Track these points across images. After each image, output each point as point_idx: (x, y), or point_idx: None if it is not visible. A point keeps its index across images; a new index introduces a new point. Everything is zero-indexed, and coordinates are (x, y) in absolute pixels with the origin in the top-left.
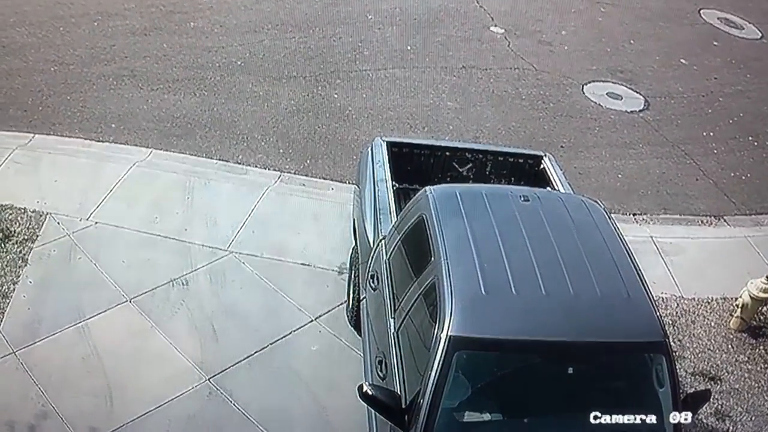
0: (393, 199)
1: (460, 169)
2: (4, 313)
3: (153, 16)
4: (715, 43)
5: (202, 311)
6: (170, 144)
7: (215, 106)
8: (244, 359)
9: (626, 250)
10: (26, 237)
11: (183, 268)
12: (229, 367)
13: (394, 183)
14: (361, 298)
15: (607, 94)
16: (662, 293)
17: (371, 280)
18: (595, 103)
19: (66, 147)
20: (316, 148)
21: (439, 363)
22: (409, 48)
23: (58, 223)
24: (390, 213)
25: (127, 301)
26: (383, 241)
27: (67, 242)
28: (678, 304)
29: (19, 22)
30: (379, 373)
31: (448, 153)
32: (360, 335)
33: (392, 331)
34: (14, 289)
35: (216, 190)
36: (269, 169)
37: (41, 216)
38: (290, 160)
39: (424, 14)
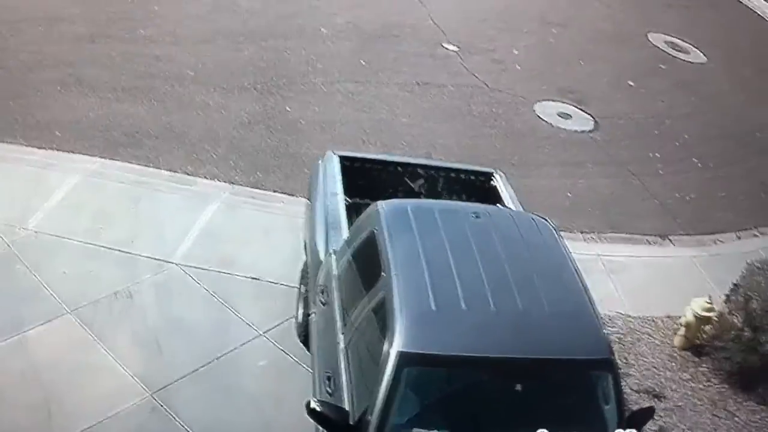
0: (344, 213)
1: (412, 185)
2: None
3: (101, 23)
4: (662, 66)
5: (146, 324)
6: (117, 153)
7: (164, 115)
8: (190, 374)
9: (574, 268)
10: None
11: (127, 280)
12: (174, 382)
13: (345, 197)
14: (311, 312)
15: (557, 113)
16: (609, 311)
17: (321, 295)
18: (546, 122)
19: (7, 154)
20: (267, 161)
21: (388, 379)
22: (362, 62)
23: None
24: (341, 227)
25: (68, 312)
26: (334, 256)
27: (6, 251)
28: (624, 322)
29: None
30: (328, 389)
31: (400, 168)
32: (309, 351)
33: (341, 346)
34: None
35: (164, 201)
36: (219, 181)
37: None
38: (241, 172)
39: (377, 29)
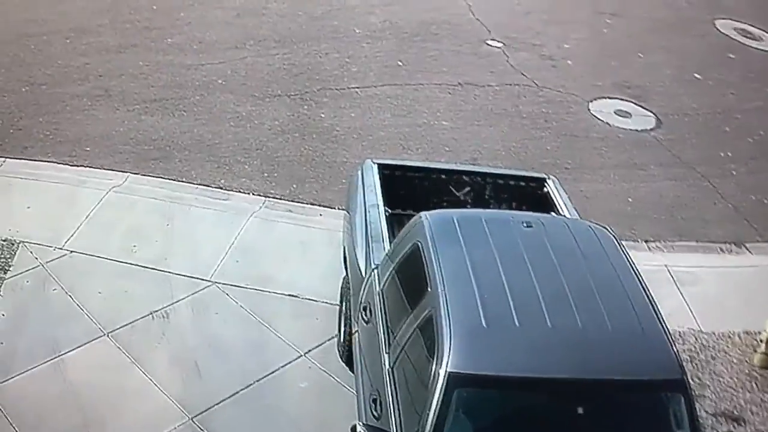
0: (386, 225)
1: (458, 193)
2: None
3: (128, 33)
4: (731, 55)
5: (183, 345)
6: (148, 168)
7: (195, 127)
8: (230, 397)
9: (639, 280)
10: None
11: (163, 300)
12: (214, 406)
13: (386, 208)
14: (353, 331)
15: (614, 111)
16: (679, 327)
17: (363, 313)
18: (602, 121)
19: (39, 172)
20: (302, 172)
21: (437, 402)
22: (400, 64)
23: (31, 252)
24: (383, 241)
25: (104, 335)
26: (376, 271)
27: (41, 272)
28: (696, 339)
29: None
30: (374, 412)
31: (444, 176)
32: (352, 371)
33: (387, 367)
34: None
35: (197, 216)
36: (253, 194)
37: (13, 245)
38: (275, 185)
39: (415, 28)
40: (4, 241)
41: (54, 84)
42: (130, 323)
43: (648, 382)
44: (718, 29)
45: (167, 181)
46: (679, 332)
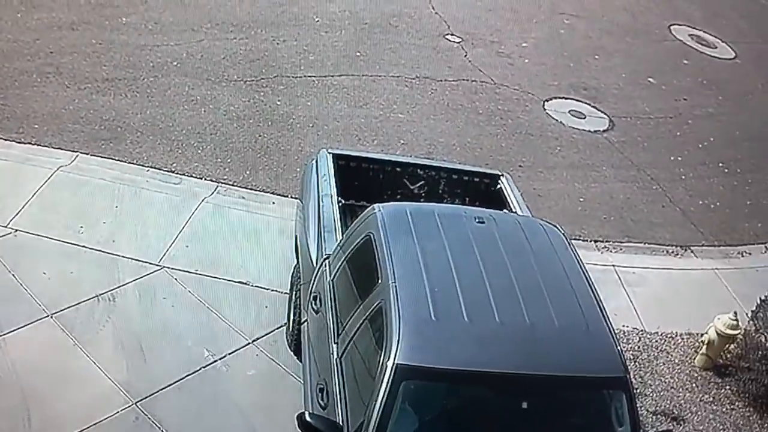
0: (338, 216)
1: (411, 187)
2: None
3: (82, 10)
4: (686, 61)
5: (129, 329)
6: (98, 148)
7: (148, 109)
8: (175, 382)
9: (586, 279)
10: None
11: (110, 283)
12: (158, 391)
13: (339, 199)
14: (302, 320)
15: (569, 111)
16: (624, 326)
17: (313, 302)
18: (557, 120)
19: None
20: (256, 159)
21: (384, 393)
22: (358, 54)
23: None
24: (335, 231)
25: (48, 316)
26: (327, 261)
27: None
28: (640, 338)
29: None
30: (320, 401)
31: (398, 168)
32: (300, 360)
33: (335, 357)
34: None
35: (147, 199)
36: (206, 179)
37: None
38: (229, 171)
39: (375, 19)
40: None
41: (2, 59)
42: (75, 305)
43: (591, 379)
44: (673, 35)
45: (117, 162)
46: (624, 331)
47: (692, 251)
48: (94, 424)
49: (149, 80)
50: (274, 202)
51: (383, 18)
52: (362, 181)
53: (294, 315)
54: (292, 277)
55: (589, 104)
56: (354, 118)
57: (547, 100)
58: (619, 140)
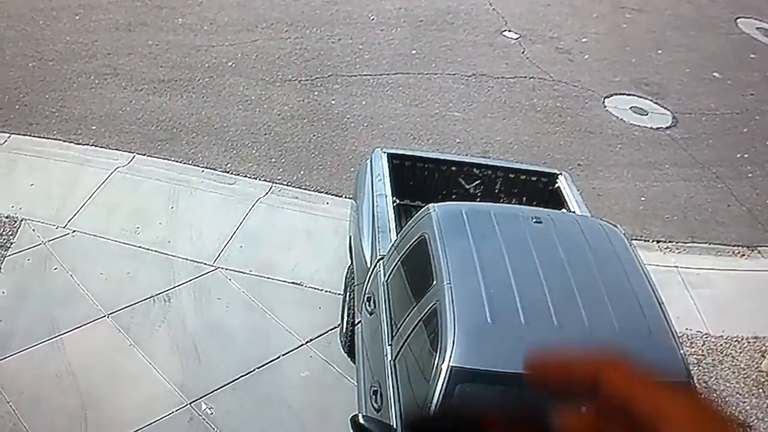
0: (393, 216)
1: (467, 186)
2: None
3: (138, 11)
4: (753, 55)
5: (184, 330)
6: (154, 149)
7: (203, 109)
8: (229, 383)
9: (648, 281)
10: None
11: (165, 283)
12: (213, 392)
13: (394, 199)
14: (356, 322)
15: (630, 108)
16: (687, 329)
17: (367, 303)
18: (618, 117)
19: (43, 149)
20: (310, 159)
21: (439, 396)
22: (414, 52)
23: (34, 230)
24: (389, 231)
25: (104, 316)
26: (381, 262)
27: (42, 251)
28: (704, 342)
29: None
30: (374, 404)
31: (454, 168)
32: (354, 362)
33: (389, 359)
34: None
35: (202, 200)
36: (260, 180)
37: (15, 222)
38: (283, 171)
39: (431, 16)
40: (6, 218)
41: (61, 60)
42: (131, 305)
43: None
44: (740, 28)
45: (173, 163)
46: (687, 335)
47: (759, 251)
48: (149, 424)
49: (204, 81)
50: (328, 203)
51: (439, 15)
52: (417, 181)
53: (348, 316)
54: (345, 278)
55: (651, 100)
56: (409, 116)
57: (608, 97)
58: (683, 137)
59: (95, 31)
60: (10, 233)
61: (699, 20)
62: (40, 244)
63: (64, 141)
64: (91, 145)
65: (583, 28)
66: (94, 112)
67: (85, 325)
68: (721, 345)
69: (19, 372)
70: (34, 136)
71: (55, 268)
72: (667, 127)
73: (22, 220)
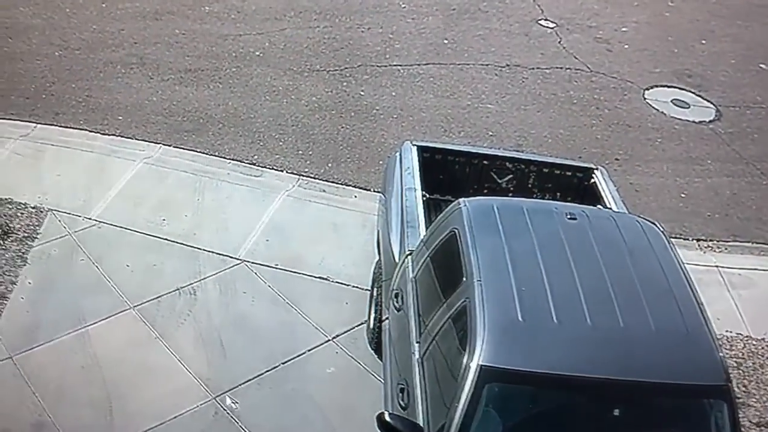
0: (422, 210)
1: (499, 181)
2: (1, 315)
3: None
4: None
5: (210, 323)
6: (180, 140)
7: (230, 100)
8: (254, 378)
9: (687, 280)
10: (26, 234)
11: (191, 276)
12: (238, 386)
13: (424, 193)
14: (384, 318)
15: (672, 101)
16: (727, 331)
17: (395, 299)
18: (658, 110)
19: (70, 139)
20: (338, 151)
21: (467, 395)
22: (445, 42)
23: (60, 221)
24: (419, 226)
25: (130, 308)
26: (410, 257)
27: (68, 242)
28: (745, 345)
29: (23, 1)
30: (401, 401)
31: (486, 162)
32: (381, 359)
33: (417, 356)
34: (12, 290)
35: (228, 192)
36: (287, 172)
37: (42, 212)
38: (310, 163)
39: (464, 4)
40: (33, 208)
41: (88, 49)
42: (157, 298)
43: (690, 387)
44: None
45: (199, 154)
46: (727, 337)
47: None
48: (174, 417)
49: (231, 71)
50: (356, 196)
51: (472, 3)
52: (448, 175)
53: (375, 312)
54: (373, 273)
55: (694, 93)
56: (440, 108)
57: (648, 89)
58: (727, 131)
59: (121, 19)
60: (36, 224)
61: (746, 9)
62: (66, 235)
63: (91, 131)
64: (118, 136)
65: (623, 17)
66: (121, 102)
67: (110, 316)
68: (762, 348)
69: (45, 363)
70: (61, 126)
71: (82, 260)
72: (710, 121)
73: (48, 211)
